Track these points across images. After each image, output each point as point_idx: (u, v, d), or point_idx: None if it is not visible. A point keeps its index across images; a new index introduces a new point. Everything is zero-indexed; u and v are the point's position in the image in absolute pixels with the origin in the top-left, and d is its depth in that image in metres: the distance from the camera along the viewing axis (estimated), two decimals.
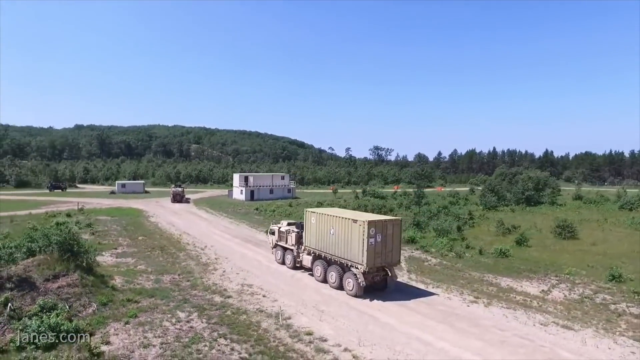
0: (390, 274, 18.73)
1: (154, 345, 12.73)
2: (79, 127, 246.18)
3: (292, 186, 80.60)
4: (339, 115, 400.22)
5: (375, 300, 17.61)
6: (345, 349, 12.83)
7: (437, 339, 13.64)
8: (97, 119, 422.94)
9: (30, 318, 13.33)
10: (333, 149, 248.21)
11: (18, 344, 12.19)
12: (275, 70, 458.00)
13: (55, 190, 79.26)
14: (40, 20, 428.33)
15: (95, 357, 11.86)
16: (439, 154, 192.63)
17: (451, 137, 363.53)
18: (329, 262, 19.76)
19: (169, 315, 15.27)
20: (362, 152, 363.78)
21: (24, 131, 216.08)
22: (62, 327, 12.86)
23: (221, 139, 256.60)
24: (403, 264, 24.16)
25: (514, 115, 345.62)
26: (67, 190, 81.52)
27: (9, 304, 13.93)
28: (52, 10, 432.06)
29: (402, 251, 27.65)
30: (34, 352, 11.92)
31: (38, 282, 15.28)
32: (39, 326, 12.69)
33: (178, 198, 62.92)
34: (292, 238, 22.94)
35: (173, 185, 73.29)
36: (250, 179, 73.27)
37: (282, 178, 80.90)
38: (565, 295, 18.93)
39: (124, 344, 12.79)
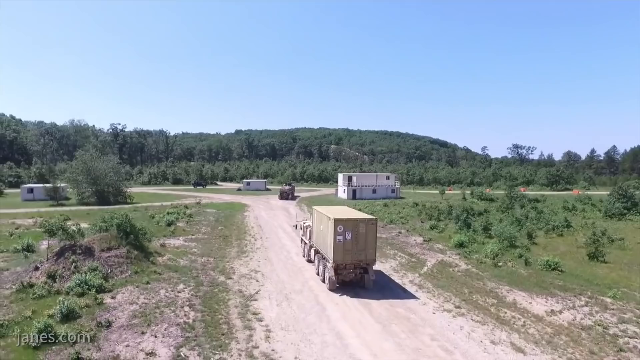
0: (368, 273, 19.09)
1: (137, 303, 16.79)
2: (237, 132, 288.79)
3: (397, 186, 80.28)
4: (494, 114, 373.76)
5: (344, 296, 18.39)
6: (268, 330, 14.56)
7: (355, 337, 14.07)
8: (254, 124, 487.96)
9: (80, 274, 19.01)
10: (469, 148, 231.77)
11: (65, 290, 17.76)
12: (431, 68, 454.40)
13: (198, 187, 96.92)
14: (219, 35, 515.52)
15: (97, 304, 16.50)
16: (592, 151, 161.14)
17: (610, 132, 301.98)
18: (321, 257, 21.17)
19: (170, 286, 19.33)
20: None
21: (196, 137, 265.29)
22: (91, 283, 18.09)
23: (360, 139, 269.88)
24: (395, 264, 23.62)
25: None
26: (207, 187, 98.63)
27: (74, 264, 20.00)
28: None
29: (438, 254, 27.22)
30: (69, 296, 17.21)
31: (96, 251, 21.25)
32: (79, 280, 18.14)
33: (285, 195, 69.57)
34: (308, 233, 24.91)
35: (284, 184, 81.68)
36: (354, 179, 76.21)
37: (387, 178, 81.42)
38: (574, 319, 16.13)
39: (122, 300, 17.22)
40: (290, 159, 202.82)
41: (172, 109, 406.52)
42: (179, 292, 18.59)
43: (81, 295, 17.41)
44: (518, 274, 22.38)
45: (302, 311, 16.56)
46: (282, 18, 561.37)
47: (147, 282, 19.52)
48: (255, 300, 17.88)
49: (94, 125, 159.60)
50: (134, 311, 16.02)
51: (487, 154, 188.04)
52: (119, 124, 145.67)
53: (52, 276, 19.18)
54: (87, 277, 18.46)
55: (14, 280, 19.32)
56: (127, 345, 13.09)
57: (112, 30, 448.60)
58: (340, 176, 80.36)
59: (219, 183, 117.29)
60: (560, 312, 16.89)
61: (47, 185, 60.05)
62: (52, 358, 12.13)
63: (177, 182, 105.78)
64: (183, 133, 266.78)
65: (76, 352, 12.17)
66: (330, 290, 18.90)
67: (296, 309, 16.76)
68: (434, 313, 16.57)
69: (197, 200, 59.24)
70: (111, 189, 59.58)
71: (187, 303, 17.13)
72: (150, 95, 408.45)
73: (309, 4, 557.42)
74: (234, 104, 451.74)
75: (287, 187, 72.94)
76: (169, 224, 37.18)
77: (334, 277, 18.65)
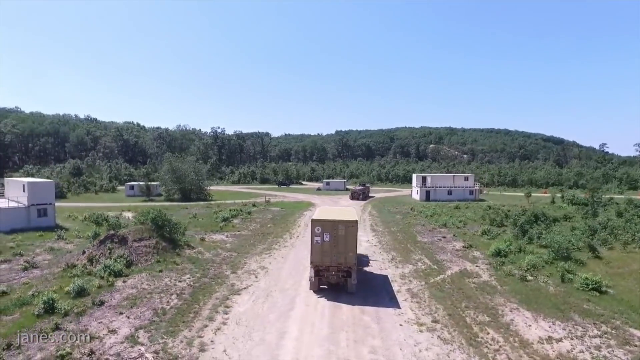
0: (351, 276, 18.52)
1: (137, 288, 19.12)
2: (337, 133, 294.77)
3: (476, 188, 74.08)
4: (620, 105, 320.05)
5: (322, 298, 18.23)
6: (224, 322, 15.42)
7: (294, 339, 14.04)
8: (353, 125, 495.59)
9: (108, 259, 22.33)
10: (591, 146, 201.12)
11: (95, 272, 21.10)
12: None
13: (282, 186, 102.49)
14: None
15: (108, 286, 19.27)
16: None
17: None
18: None
19: (177, 276, 21.44)
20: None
21: (297, 138, 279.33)
22: (113, 268, 21.15)
23: (461, 138, 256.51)
24: (410, 270, 21.97)
25: None
26: (291, 186, 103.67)
27: (110, 250, 23.54)
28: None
29: (467, 262, 24.89)
30: (92, 276, 20.38)
31: (129, 240, 24.62)
32: (105, 265, 21.37)
33: (355, 196, 69.31)
34: None
35: (358, 184, 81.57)
36: (428, 180, 72.72)
37: (466, 179, 75.63)
38: (570, 350, 13.48)
39: (129, 284, 19.78)
40: (386, 159, 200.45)
41: (275, 112, 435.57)
42: (180, 281, 20.55)
43: (102, 277, 20.49)
44: (542, 291, 19.27)
45: (270, 309, 16.99)
46: (389, 17, 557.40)
47: (160, 271, 21.99)
48: (239, 294, 18.84)
49: (199, 129, 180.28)
50: (129, 294, 18.34)
51: (605, 152, 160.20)
52: (219, 128, 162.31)
53: (90, 260, 22.91)
54: (112, 262, 21.64)
55: (67, 261, 23.57)
56: (100, 322, 15.19)
57: (226, 38, 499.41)
58: (414, 177, 77.23)
59: (304, 183, 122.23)
60: (560, 340, 14.24)
61: (141, 183, 70.34)
62: (40, 324, 14.74)
63: (264, 181, 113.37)
64: (285, 134, 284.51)
65: (56, 323, 14.62)
66: (312, 290, 18.87)
67: (266, 306, 17.25)
68: (400, 325, 15.45)
69: (267, 199, 63.00)
70: (192, 187, 67.02)
71: (178, 291, 18.92)
72: (254, 98, 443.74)
73: (420, 3, 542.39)
74: (336, 105, 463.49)
75: (358, 188, 72.78)
76: (224, 220, 40.54)
77: (313, 278, 18.59)
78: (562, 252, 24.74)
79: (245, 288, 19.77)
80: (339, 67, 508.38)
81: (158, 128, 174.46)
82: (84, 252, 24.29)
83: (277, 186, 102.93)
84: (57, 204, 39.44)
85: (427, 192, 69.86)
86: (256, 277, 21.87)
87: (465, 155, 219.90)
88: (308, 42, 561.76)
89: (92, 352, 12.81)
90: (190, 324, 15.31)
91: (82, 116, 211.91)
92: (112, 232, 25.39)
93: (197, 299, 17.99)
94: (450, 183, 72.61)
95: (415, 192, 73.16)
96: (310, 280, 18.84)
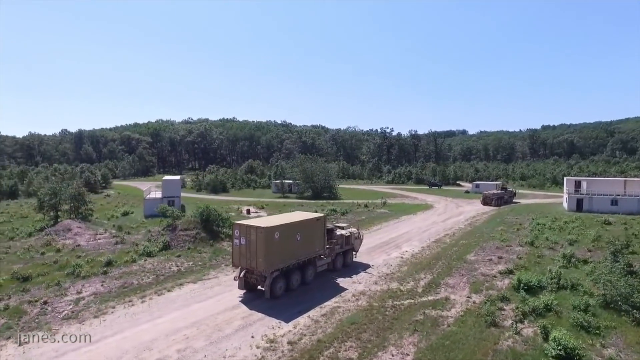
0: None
1: (141, 266, 24.52)
2: (544, 128, 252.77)
3: None
4: None
5: (246, 295, 19.46)
6: (143, 300, 18.74)
7: (146, 330, 15.92)
8: (556, 119, 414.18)
9: (149, 242, 28.95)
10: None
11: (135, 250, 27.98)
12: None
13: (432, 187, 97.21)
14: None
15: (131, 262, 25.43)
16: None
17: None
18: None
19: (185, 261, 25.92)
20: None
21: (490, 135, 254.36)
22: (146, 249, 27.52)
23: None
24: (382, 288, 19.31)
25: None
26: (442, 187, 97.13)
27: (163, 236, 30.38)
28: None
29: (473, 295, 21.00)
30: (133, 254, 27.13)
31: (177, 230, 30.91)
32: (143, 246, 28.06)
33: (488, 201, 59.80)
34: None
35: (500, 187, 69.78)
36: (583, 185, 56.33)
37: None
38: None
39: (142, 263, 25.39)
40: (601, 157, 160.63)
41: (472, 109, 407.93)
42: (176, 266, 24.85)
43: (133, 255, 26.74)
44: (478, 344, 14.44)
45: (194, 296, 19.30)
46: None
47: (179, 255, 27.09)
48: (210, 287, 21.46)
49: (369, 129, 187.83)
50: (127, 271, 23.81)
51: None
52: (387, 128, 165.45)
53: (148, 240, 30.23)
54: (149, 245, 28.09)
55: (134, 240, 31.60)
56: (84, 285, 20.91)
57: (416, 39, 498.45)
58: (565, 181, 59.90)
59: (462, 184, 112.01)
60: None
61: (277, 181, 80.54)
62: (66, 279, 21.49)
63: (419, 182, 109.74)
64: (480, 132, 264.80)
65: (59, 276, 21.20)
66: (239, 289, 20.01)
67: (190, 293, 19.64)
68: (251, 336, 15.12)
69: (383, 200, 62.34)
70: (322, 185, 72.62)
71: (163, 273, 23.23)
72: (448, 96, 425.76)
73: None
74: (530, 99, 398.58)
75: (493, 192, 62.09)
76: None
77: (237, 278, 19.68)
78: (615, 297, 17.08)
79: (215, 278, 22.48)
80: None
81: (338, 130, 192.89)
82: (151, 235, 32.01)
83: (427, 187, 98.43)
84: (215, 197, 51.63)
85: (579, 201, 53.81)
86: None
87: None
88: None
89: (45, 302, 18.40)
90: (126, 299, 19.25)
91: (279, 121, 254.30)
92: (171, 222, 32.41)
93: (166, 282, 21.86)
94: (616, 189, 53.64)
95: (564, 199, 57.44)
96: (234, 279, 20.03)
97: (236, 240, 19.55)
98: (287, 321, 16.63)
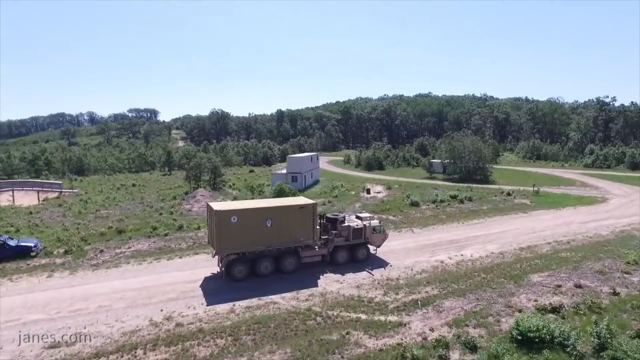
0: None
1: (170, 239, 28.91)
2: None
3: None
4: None
5: (203, 277, 20.69)
6: (117, 266, 22.66)
7: (113, 285, 19.24)
8: None
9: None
10: None
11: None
12: None
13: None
14: None
15: (164, 235, 30.20)
16: None
17: None
18: None
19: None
20: None
21: None
22: (174, 224, 32.05)
23: None
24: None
25: None
26: None
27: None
28: None
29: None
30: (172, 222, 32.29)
31: None
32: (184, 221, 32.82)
33: None
34: None
35: None
36: None
37: None
38: None
39: (172, 236, 29.83)
40: None
41: None
42: (185, 242, 27.67)
43: (170, 227, 31.50)
44: None
45: (186, 265, 22.04)
46: None
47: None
48: (208, 259, 24.05)
49: (575, 101, 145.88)
50: (183, 236, 28.69)
51: None
52: (607, 97, 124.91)
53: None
54: (183, 219, 32.63)
55: None
56: (140, 242, 26.75)
57: None
58: None
59: None
60: None
61: (432, 160, 73.78)
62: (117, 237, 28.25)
63: (635, 167, 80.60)
64: None
65: (139, 233, 27.77)
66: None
67: (191, 262, 22.39)
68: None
69: (535, 188, 49.91)
70: (471, 166, 63.41)
71: (168, 248, 26.46)
72: None
73: None
74: None
75: None
76: (413, 204, 40.15)
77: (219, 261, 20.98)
78: None
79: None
80: None
81: (536, 102, 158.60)
82: None
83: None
84: (362, 174, 54.76)
85: None
86: None
87: None
88: None
89: (102, 251, 24.74)
90: (142, 260, 23.67)
91: (478, 95, 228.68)
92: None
93: (190, 249, 25.53)
94: None
95: None
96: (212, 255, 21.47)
97: (209, 220, 20.92)
98: (209, 304, 17.17)
